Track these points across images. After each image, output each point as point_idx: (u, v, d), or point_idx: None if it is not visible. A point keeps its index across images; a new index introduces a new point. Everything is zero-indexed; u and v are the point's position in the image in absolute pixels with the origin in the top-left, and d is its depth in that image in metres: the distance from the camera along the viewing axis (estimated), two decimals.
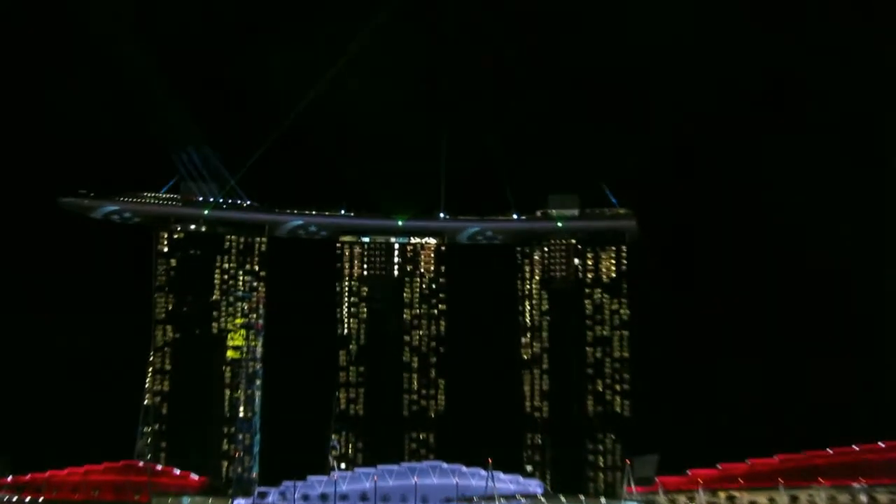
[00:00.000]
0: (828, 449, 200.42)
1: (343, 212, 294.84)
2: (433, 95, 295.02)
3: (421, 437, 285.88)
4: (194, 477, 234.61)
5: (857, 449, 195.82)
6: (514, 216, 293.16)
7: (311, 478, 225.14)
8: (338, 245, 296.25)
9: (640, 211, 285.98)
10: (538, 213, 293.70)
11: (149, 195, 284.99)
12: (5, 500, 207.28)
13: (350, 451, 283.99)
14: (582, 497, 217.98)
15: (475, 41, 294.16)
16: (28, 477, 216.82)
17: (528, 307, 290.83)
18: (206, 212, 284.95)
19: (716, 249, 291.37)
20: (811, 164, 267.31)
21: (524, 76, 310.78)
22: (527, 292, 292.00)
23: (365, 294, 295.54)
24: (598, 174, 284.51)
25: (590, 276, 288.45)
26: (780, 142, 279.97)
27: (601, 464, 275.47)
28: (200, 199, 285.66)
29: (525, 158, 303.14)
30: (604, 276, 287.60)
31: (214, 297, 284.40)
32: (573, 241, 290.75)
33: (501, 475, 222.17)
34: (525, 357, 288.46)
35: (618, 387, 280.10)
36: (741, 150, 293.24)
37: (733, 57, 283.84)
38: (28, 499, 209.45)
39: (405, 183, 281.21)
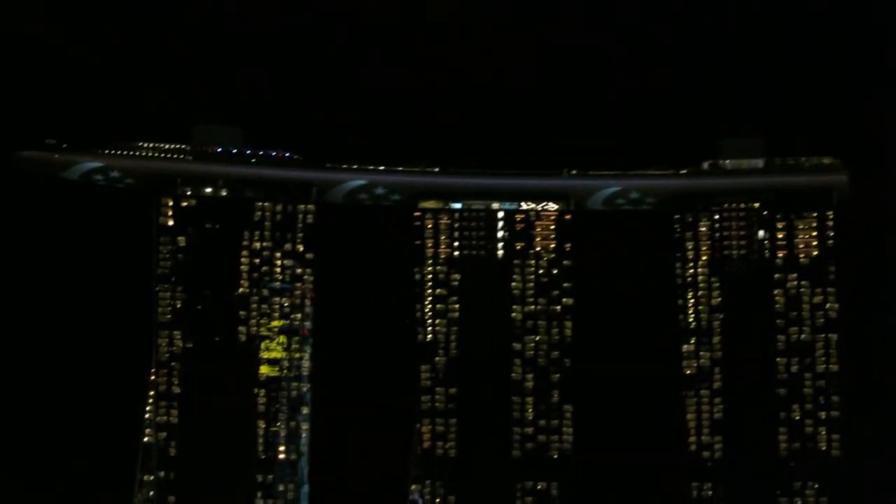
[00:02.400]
0: None
1: (425, 168, 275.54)
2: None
3: (539, 487, 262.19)
4: None
5: None
6: (672, 170, 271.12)
7: None
8: (417, 214, 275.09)
9: (854, 161, 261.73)
10: (705, 165, 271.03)
11: (146, 145, 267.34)
12: None
13: None
14: None
15: None
16: None
17: (693, 301, 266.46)
18: (226, 168, 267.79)
19: None
20: None
21: None
22: (690, 279, 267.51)
23: (456, 283, 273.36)
24: (792, 110, 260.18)
25: (781, 255, 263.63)
26: None
27: None
28: (219, 149, 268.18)
29: (688, 88, 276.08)
30: (801, 256, 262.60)
31: (241, 289, 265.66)
32: (756, 204, 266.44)
33: None
34: (688, 372, 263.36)
35: (822, 414, 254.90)
36: None
37: None
38: None
39: (512, 125, 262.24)
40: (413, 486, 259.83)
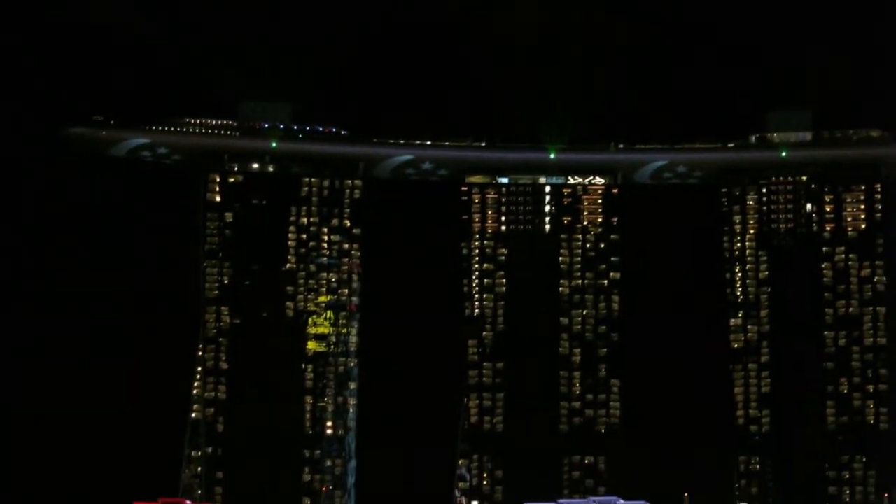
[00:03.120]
0: None
1: (472, 142, 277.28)
2: None
3: (586, 461, 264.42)
4: None
5: None
6: (719, 143, 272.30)
7: None
8: (464, 189, 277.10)
9: None
10: (753, 139, 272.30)
11: (193, 121, 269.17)
12: None
13: (485, 483, 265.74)
14: None
15: None
16: None
17: (740, 274, 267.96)
18: (273, 143, 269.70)
19: None
20: None
21: None
22: (737, 253, 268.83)
23: (504, 258, 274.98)
24: (841, 81, 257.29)
25: (829, 228, 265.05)
26: None
27: (847, 497, 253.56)
28: (266, 125, 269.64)
29: (731, 60, 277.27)
30: (849, 229, 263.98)
31: (289, 265, 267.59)
32: (804, 178, 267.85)
33: None
34: (736, 346, 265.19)
35: (870, 388, 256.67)
36: None
37: None
38: None
39: (561, 99, 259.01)
40: (460, 461, 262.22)
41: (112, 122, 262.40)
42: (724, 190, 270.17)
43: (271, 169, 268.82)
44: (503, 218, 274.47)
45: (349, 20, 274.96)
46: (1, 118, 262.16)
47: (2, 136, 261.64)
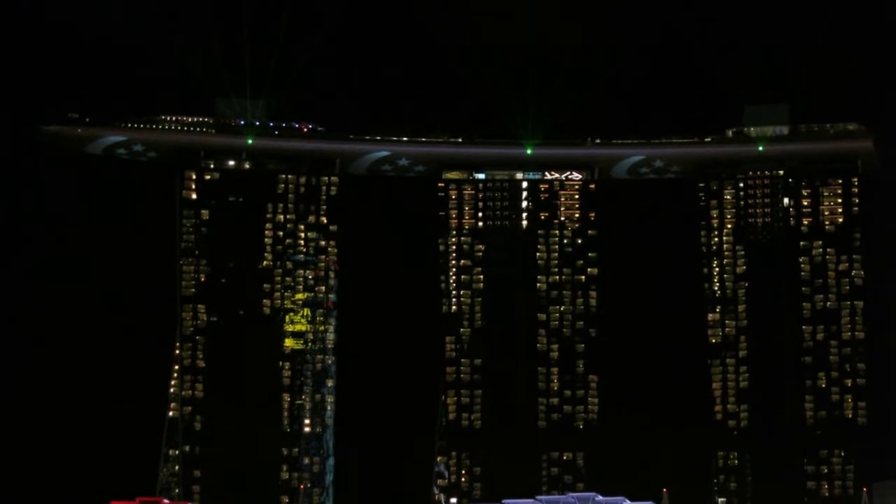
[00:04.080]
0: None
1: (448, 138, 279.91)
2: None
3: (565, 457, 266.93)
4: None
5: None
6: (696, 138, 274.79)
7: None
8: (441, 185, 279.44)
9: (882, 127, 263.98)
10: (730, 133, 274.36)
11: (168, 119, 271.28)
12: None
13: (463, 479, 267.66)
14: None
15: None
16: None
17: (718, 269, 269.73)
18: (249, 140, 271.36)
19: None
20: None
21: None
22: (714, 248, 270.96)
23: (480, 254, 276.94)
24: (818, 75, 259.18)
25: (806, 223, 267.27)
26: None
27: (826, 492, 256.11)
28: (241, 122, 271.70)
29: (710, 55, 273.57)
30: (827, 223, 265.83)
31: (265, 262, 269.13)
32: (781, 172, 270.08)
33: None
34: (714, 341, 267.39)
35: (848, 382, 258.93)
36: None
37: None
38: None
39: (537, 95, 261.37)
40: (439, 458, 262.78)
41: (87, 119, 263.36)
42: (701, 185, 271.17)
43: (247, 166, 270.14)
44: (480, 214, 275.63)
45: (326, 16, 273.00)
46: None
47: None
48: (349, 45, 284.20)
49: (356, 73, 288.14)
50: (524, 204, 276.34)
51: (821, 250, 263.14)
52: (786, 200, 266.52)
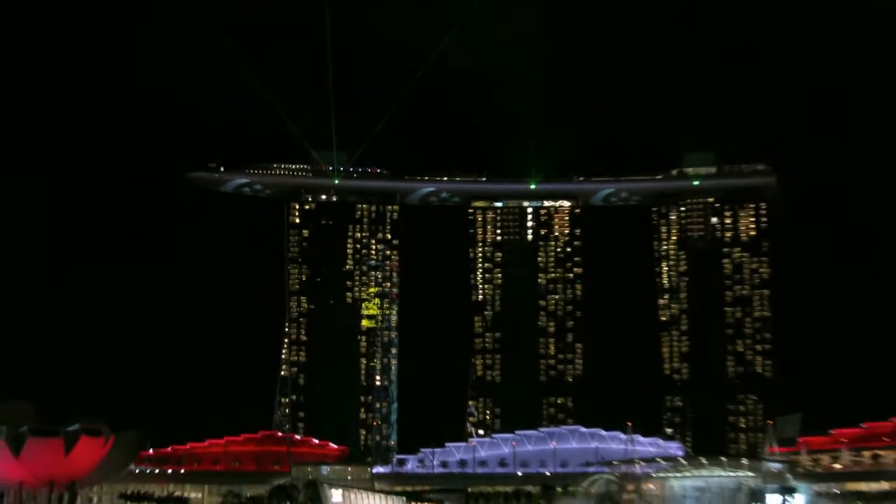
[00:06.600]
0: None
1: (476, 178, 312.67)
2: (563, 59, 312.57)
3: (559, 402, 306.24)
4: (333, 446, 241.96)
5: None
6: (650, 176, 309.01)
7: (449, 445, 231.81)
8: (470, 211, 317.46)
9: (781, 167, 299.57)
10: (674, 172, 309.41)
11: (279, 166, 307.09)
12: (147, 472, 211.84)
13: (487, 417, 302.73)
14: (723, 459, 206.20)
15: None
16: (169, 449, 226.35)
17: (666, 268, 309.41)
18: (336, 181, 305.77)
19: (861, 204, 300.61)
20: None
21: (658, 35, 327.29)
22: (664, 253, 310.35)
23: (499, 259, 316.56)
24: (735, 130, 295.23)
25: (728, 235, 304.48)
26: None
27: (742, 425, 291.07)
28: (331, 168, 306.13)
29: (660, 117, 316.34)
30: (743, 235, 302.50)
31: (348, 266, 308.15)
32: (710, 199, 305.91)
33: (641, 438, 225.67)
34: (663, 319, 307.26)
35: (759, 347, 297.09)
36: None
37: None
38: (170, 471, 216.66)
39: (538, 146, 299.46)
40: (470, 402, 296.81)
41: (222, 167, 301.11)
42: (654, 209, 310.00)
43: (335, 199, 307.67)
44: (498, 231, 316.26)
45: (386, 92, 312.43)
46: (143, 166, 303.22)
47: (145, 179, 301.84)
48: (405, 114, 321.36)
49: (411, 132, 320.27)
50: (529, 224, 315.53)
51: (739, 254, 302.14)
52: (714, 219, 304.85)
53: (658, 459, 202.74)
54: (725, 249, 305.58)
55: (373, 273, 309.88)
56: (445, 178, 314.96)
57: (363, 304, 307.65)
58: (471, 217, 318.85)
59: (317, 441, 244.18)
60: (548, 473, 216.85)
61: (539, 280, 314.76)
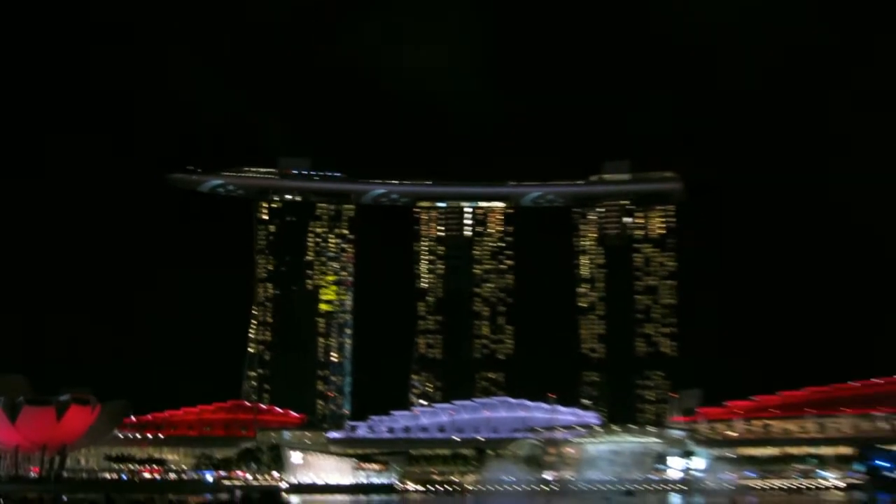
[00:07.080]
0: (852, 382, 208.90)
1: (422, 181, 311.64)
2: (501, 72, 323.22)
3: (491, 376, 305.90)
4: (294, 414, 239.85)
5: (880, 381, 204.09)
6: (573, 181, 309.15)
7: (395, 413, 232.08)
8: (416, 210, 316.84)
9: (688, 173, 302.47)
10: (593, 178, 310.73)
11: (249, 169, 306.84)
12: (130, 436, 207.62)
13: (429, 389, 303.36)
14: (633, 427, 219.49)
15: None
16: (149, 416, 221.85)
17: (585, 261, 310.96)
18: (300, 183, 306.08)
19: (757, 204, 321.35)
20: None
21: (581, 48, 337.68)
22: (584, 248, 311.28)
23: (441, 252, 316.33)
24: (649, 141, 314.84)
25: (639, 233, 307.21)
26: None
27: (650, 398, 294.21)
28: (294, 171, 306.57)
29: (581, 128, 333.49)
30: (652, 233, 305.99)
31: (308, 257, 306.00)
32: (625, 202, 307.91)
33: (562, 409, 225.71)
34: (582, 305, 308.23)
35: (665, 330, 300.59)
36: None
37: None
38: (150, 436, 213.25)
39: (475, 154, 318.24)
40: (414, 376, 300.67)
41: (199, 170, 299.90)
42: (575, 210, 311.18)
43: (298, 199, 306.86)
44: (441, 227, 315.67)
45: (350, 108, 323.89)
46: (129, 170, 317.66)
47: (132, 181, 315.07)
48: (359, 124, 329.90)
49: (362, 139, 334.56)
50: (468, 221, 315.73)
51: (649, 249, 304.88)
52: (627, 219, 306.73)
53: (576, 427, 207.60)
54: (637, 245, 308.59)
55: (331, 264, 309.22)
56: (395, 182, 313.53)
57: (322, 291, 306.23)
58: (417, 215, 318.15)
59: (280, 410, 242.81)
60: (481, 439, 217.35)
61: (475, 270, 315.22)
